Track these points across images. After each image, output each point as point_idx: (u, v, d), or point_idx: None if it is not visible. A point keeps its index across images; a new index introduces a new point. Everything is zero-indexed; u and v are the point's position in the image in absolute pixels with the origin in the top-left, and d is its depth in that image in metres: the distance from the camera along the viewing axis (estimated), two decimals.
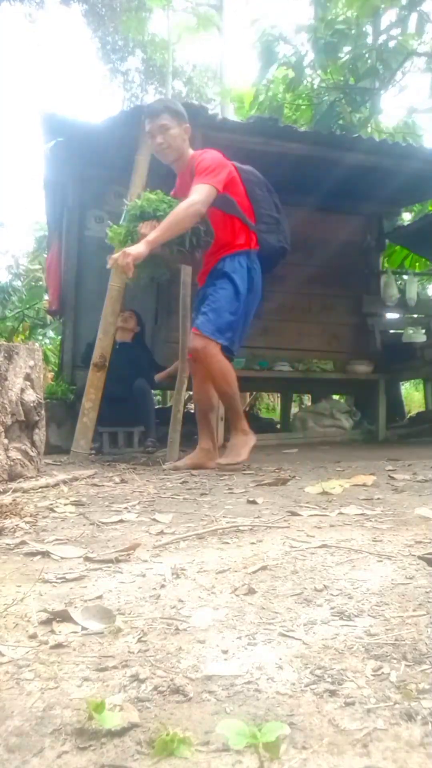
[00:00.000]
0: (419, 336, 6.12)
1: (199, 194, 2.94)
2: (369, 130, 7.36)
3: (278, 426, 7.23)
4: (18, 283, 11.95)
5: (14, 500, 1.96)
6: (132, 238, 3.08)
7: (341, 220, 6.57)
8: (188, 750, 0.57)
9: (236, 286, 3.10)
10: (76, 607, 0.97)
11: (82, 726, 0.62)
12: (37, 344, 3.03)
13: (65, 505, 1.96)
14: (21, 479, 2.44)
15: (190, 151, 3.21)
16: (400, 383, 7.78)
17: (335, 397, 7.03)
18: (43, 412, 2.72)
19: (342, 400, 6.78)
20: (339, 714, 0.63)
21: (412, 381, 9.69)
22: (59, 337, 6.14)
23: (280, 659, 0.77)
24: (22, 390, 2.56)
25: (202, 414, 3.27)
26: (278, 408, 9.12)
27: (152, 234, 2.90)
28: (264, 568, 1.17)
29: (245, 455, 3.08)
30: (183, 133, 3.16)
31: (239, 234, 3.17)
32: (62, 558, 1.29)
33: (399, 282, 7.04)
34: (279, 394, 8.65)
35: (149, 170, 3.97)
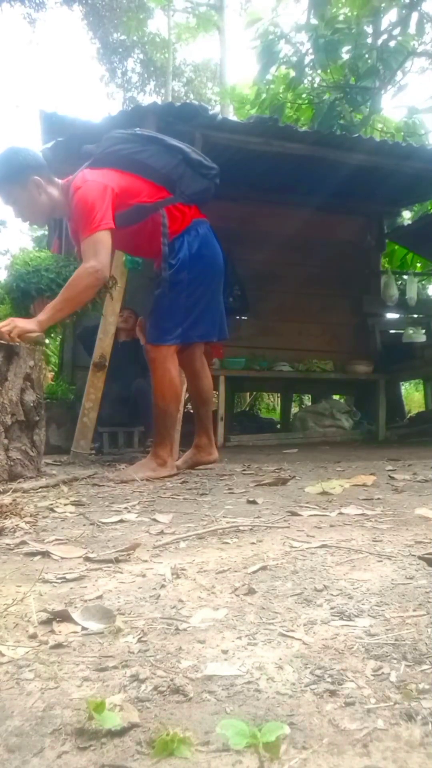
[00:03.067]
0: (419, 336, 6.13)
1: (94, 255, 2.55)
2: (369, 129, 7.36)
3: (278, 426, 7.23)
4: None
5: (14, 500, 1.96)
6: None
7: (341, 220, 6.57)
8: (188, 750, 0.57)
9: (175, 276, 2.78)
10: (76, 607, 0.97)
11: (82, 726, 0.62)
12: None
13: (65, 505, 1.96)
14: (21, 479, 2.44)
15: (57, 192, 2.76)
16: (400, 383, 7.79)
17: (335, 397, 7.03)
18: (43, 412, 2.72)
19: (342, 400, 6.79)
20: (339, 714, 0.63)
21: (412, 381, 9.69)
22: (59, 338, 6.14)
23: (280, 659, 0.77)
24: (22, 390, 2.56)
25: (193, 410, 3.19)
26: (278, 408, 9.12)
27: (45, 313, 2.58)
28: (264, 568, 1.17)
29: (138, 478, 2.62)
30: (34, 189, 2.70)
31: (162, 227, 2.79)
32: (62, 558, 1.29)
33: (399, 282, 7.04)
34: (279, 394, 8.65)
35: None
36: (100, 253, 2.57)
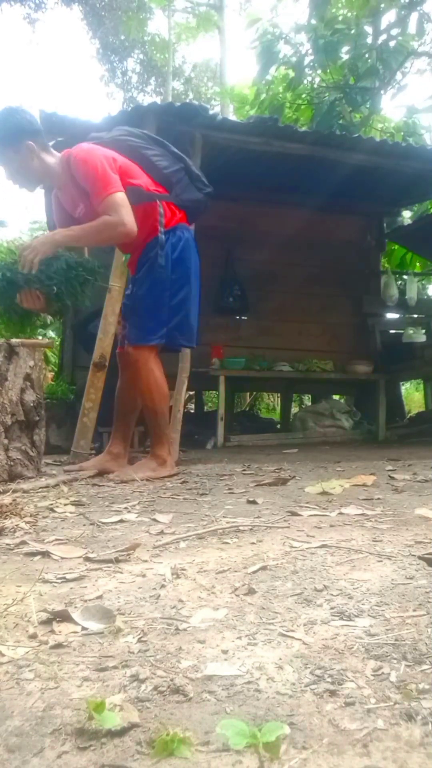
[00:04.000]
0: (419, 336, 6.13)
1: (117, 212, 2.57)
2: (368, 129, 7.35)
3: (278, 426, 7.23)
4: None
5: (14, 500, 1.96)
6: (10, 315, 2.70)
7: (341, 220, 6.57)
8: (188, 750, 0.57)
9: (159, 277, 2.80)
10: (76, 607, 0.97)
11: (82, 726, 0.62)
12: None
13: (65, 505, 1.96)
14: (21, 479, 2.44)
15: (52, 160, 2.75)
16: (400, 383, 7.78)
17: (335, 397, 7.03)
18: (43, 412, 2.72)
19: (342, 400, 6.78)
20: (339, 714, 0.63)
21: (412, 381, 9.69)
22: (59, 337, 6.14)
23: (280, 659, 0.77)
24: (22, 390, 2.56)
25: (120, 414, 3.05)
26: (278, 408, 9.11)
27: (66, 232, 2.64)
28: (264, 568, 1.17)
29: (138, 478, 2.63)
30: (27, 154, 2.66)
31: (157, 218, 2.80)
32: (62, 558, 1.29)
33: (399, 282, 7.04)
34: (279, 394, 8.64)
35: None
36: (125, 212, 2.59)
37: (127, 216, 2.60)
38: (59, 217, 2.96)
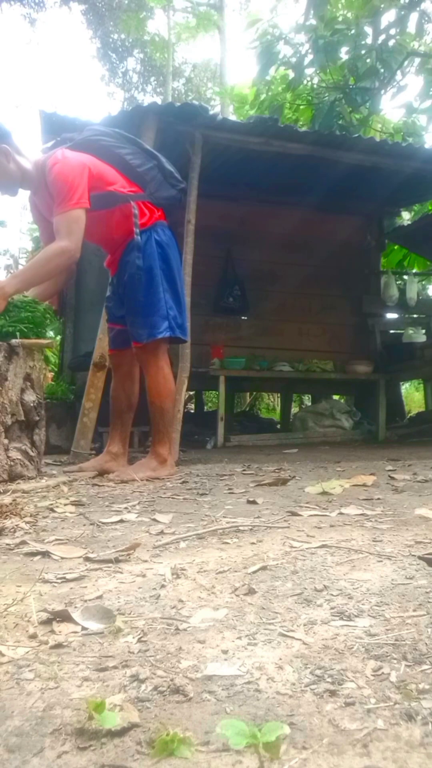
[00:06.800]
0: (419, 336, 6.13)
1: (68, 233, 2.60)
2: (368, 129, 7.35)
3: (278, 426, 7.23)
4: None
5: (14, 500, 1.96)
6: None
7: (341, 220, 6.57)
8: (188, 750, 0.57)
9: (149, 271, 2.82)
10: (76, 607, 0.97)
11: (82, 726, 0.62)
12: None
13: (65, 505, 1.96)
14: (21, 479, 2.44)
15: (27, 164, 2.75)
16: (400, 383, 7.78)
17: (335, 397, 7.03)
18: (43, 412, 2.72)
19: (342, 400, 6.79)
20: (339, 714, 0.63)
21: (412, 381, 9.69)
22: (59, 337, 6.14)
23: (281, 659, 0.77)
24: (22, 390, 2.56)
25: (116, 413, 3.05)
26: (278, 408, 9.11)
27: (13, 280, 2.60)
28: (264, 568, 1.17)
29: (138, 478, 2.64)
30: (2, 157, 2.66)
31: (134, 217, 2.81)
32: (62, 558, 1.29)
33: (399, 282, 7.04)
34: (279, 394, 8.64)
35: None
36: (74, 233, 2.62)
37: (73, 236, 2.62)
38: (37, 220, 3.00)
